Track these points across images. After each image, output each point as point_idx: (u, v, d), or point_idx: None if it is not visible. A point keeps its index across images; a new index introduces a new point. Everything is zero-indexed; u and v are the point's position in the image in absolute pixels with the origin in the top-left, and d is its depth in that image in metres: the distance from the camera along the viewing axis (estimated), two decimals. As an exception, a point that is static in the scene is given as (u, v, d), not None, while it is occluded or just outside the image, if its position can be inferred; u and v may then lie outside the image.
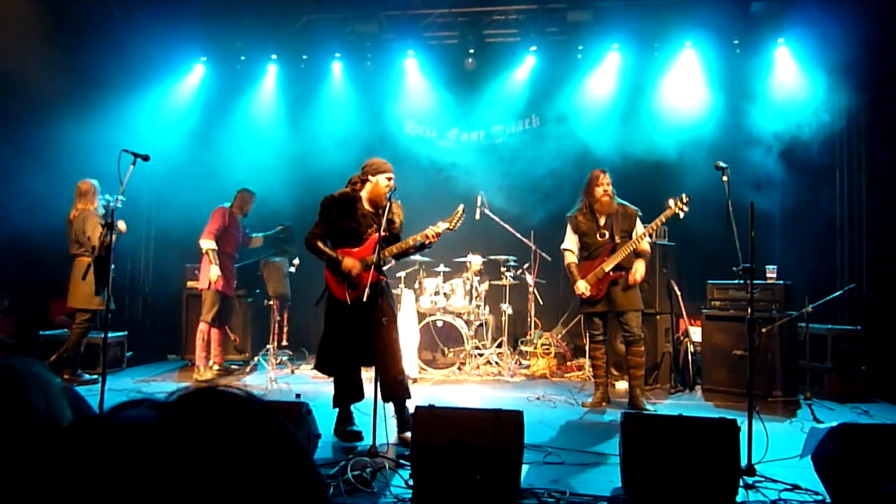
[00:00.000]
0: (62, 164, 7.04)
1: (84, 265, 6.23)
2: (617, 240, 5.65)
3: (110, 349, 6.17)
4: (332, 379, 5.00)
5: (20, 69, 6.57)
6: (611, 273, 5.60)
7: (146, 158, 4.67)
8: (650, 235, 5.67)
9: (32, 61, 6.70)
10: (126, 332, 7.47)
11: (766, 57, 8.23)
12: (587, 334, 6.00)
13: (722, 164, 4.45)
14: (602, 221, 5.74)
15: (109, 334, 4.66)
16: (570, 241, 5.90)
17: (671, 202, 5.46)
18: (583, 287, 5.66)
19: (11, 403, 0.97)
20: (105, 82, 7.89)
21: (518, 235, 7.79)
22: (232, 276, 7.16)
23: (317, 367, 5.02)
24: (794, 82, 8.02)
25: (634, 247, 5.56)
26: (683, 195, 5.44)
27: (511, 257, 7.92)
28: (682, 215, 5.42)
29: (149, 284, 9.16)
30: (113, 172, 4.62)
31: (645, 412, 5.19)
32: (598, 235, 5.72)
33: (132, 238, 7.78)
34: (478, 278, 7.78)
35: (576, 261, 5.88)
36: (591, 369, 6.13)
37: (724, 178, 4.40)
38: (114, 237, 4.30)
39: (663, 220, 5.53)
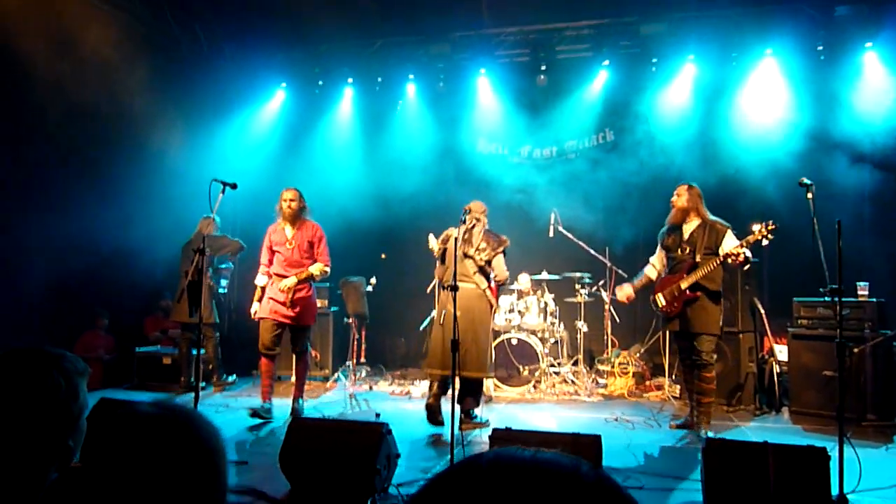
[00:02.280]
0: (156, 187, 7.49)
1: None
2: (698, 258, 5.34)
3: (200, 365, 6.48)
4: (408, 394, 6.10)
5: (114, 98, 7.04)
6: (687, 292, 5.33)
7: (234, 187, 4.93)
8: (728, 259, 5.10)
9: (126, 91, 7.18)
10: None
11: (853, 63, 7.89)
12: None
13: (806, 181, 4.29)
14: (686, 236, 5.48)
15: (201, 351, 4.98)
16: (656, 256, 5.83)
17: (755, 227, 5.04)
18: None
19: (191, 454, 1.06)
20: (194, 110, 8.37)
21: (592, 252, 7.72)
22: (278, 298, 6.02)
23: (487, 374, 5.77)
24: (884, 88, 7.65)
25: (714, 265, 5.24)
26: (771, 222, 4.99)
27: (586, 274, 7.85)
28: (765, 242, 5.01)
29: (234, 302, 9.56)
30: (202, 194, 4.91)
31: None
32: (679, 250, 5.50)
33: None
34: (540, 297, 7.77)
35: (653, 275, 5.77)
36: (685, 392, 5.84)
37: (809, 196, 4.24)
38: (205, 262, 4.54)
39: (745, 245, 5.05)
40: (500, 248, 5.71)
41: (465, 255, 5.67)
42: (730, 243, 5.27)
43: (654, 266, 5.81)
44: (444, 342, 5.48)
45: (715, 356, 5.43)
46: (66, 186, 7.01)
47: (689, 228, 5.50)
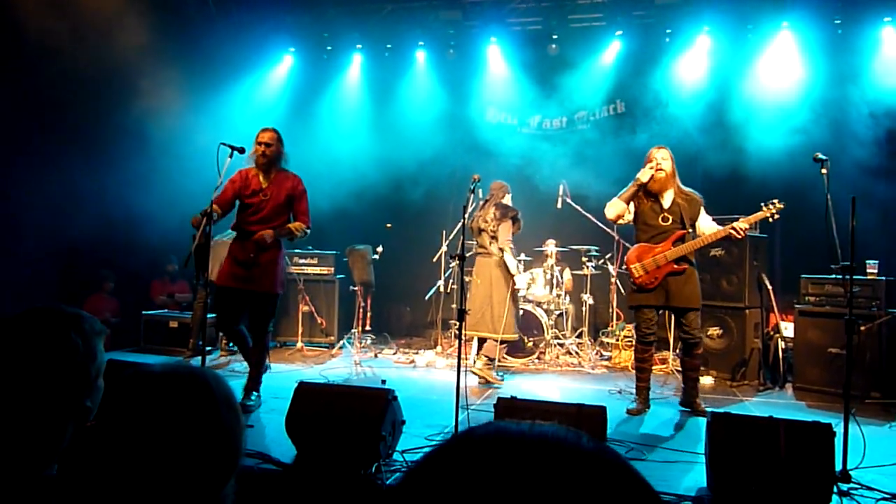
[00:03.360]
0: (162, 150, 7.43)
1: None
2: (689, 228, 5.09)
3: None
4: (412, 363, 6.49)
5: (119, 59, 6.95)
6: (674, 265, 5.05)
7: (242, 151, 4.88)
8: (736, 232, 4.94)
9: (131, 52, 7.08)
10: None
11: (871, 37, 7.76)
12: (636, 330, 5.39)
13: (821, 156, 4.23)
14: (666, 204, 5.15)
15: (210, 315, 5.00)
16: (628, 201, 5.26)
17: (763, 205, 4.97)
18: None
19: (205, 413, 1.06)
20: (200, 73, 8.26)
21: (601, 225, 7.66)
22: (232, 262, 5.10)
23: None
24: (902, 64, 7.52)
25: (706, 242, 5.09)
26: (777, 200, 4.94)
27: (593, 247, 7.82)
28: (771, 220, 4.98)
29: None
30: (209, 158, 4.85)
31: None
32: (660, 219, 5.14)
33: (225, 223, 8.13)
34: (559, 267, 7.75)
35: (627, 217, 5.28)
36: (634, 371, 5.48)
37: (823, 171, 4.19)
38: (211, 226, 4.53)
39: (752, 221, 4.99)
40: (506, 217, 6.11)
41: (480, 230, 6.21)
42: (705, 218, 5.18)
43: (627, 210, 5.26)
44: (477, 306, 6.19)
45: (701, 333, 5.36)
46: (71, 150, 6.96)
47: (668, 197, 5.17)
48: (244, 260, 4.99)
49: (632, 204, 5.28)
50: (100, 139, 7.16)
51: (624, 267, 5.40)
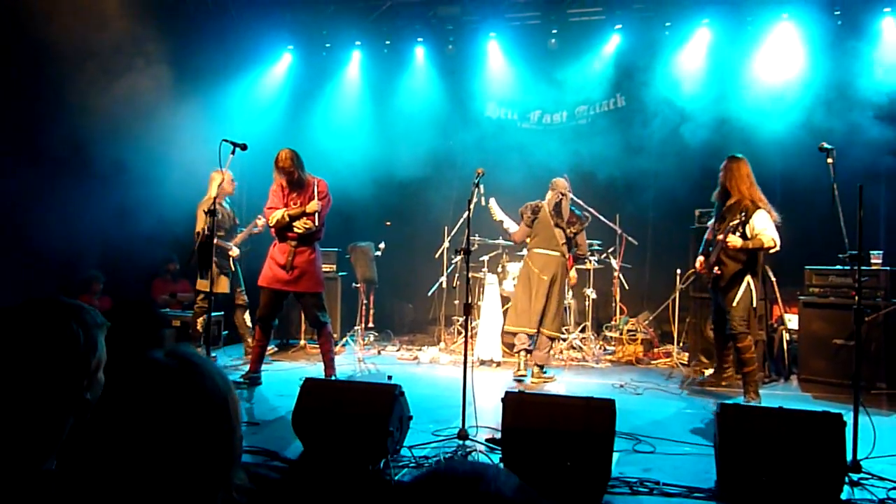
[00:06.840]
0: (161, 148, 7.37)
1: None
2: (720, 236, 5.35)
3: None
4: (416, 359, 6.47)
5: (116, 55, 6.90)
6: (716, 269, 5.48)
7: (244, 148, 4.87)
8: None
9: (128, 48, 7.03)
10: (223, 312, 7.79)
11: (871, 29, 7.71)
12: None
13: (826, 146, 4.22)
14: (723, 210, 5.52)
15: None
16: None
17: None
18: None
19: (192, 389, 1.05)
20: (198, 70, 8.21)
21: (603, 219, 7.64)
22: (278, 260, 5.70)
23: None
24: (903, 55, 7.49)
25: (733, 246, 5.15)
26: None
27: (596, 241, 7.80)
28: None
29: (241, 268, 9.53)
30: (207, 155, 4.82)
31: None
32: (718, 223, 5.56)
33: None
34: None
35: None
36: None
37: (829, 161, 4.18)
38: (216, 224, 4.51)
39: (732, 233, 5.22)
40: (585, 224, 6.47)
41: (556, 226, 6.29)
42: (759, 222, 5.21)
43: None
44: (530, 302, 6.22)
45: (745, 325, 5.39)
46: (73, 147, 6.90)
47: (728, 203, 5.47)
48: (284, 264, 5.52)
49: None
50: (94, 135, 7.07)
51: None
